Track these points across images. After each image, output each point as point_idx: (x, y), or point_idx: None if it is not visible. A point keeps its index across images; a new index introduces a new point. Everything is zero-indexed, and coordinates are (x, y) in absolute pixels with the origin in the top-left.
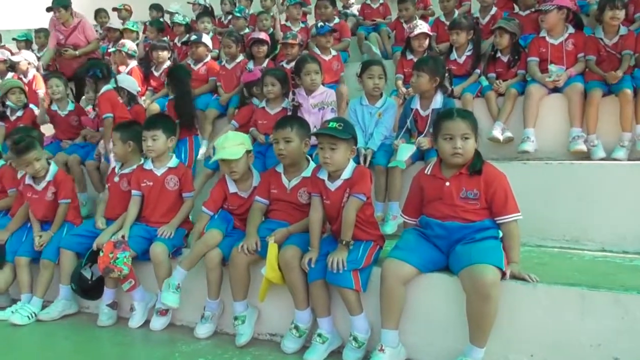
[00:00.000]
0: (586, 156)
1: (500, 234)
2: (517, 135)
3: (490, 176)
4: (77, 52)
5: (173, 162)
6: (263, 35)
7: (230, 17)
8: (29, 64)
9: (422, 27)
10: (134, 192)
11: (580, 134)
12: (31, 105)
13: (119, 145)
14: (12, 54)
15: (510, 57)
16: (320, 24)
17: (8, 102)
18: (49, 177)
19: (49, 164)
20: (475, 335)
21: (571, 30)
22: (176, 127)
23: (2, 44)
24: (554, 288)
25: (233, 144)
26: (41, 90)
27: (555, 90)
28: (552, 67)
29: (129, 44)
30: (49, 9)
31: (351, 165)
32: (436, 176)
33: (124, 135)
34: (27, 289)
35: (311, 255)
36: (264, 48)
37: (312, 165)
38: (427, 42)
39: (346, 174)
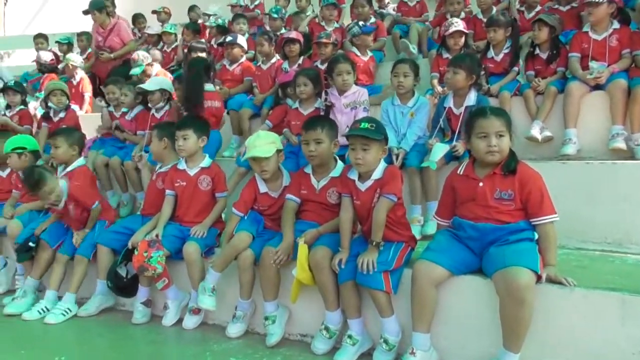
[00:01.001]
0: (629, 155)
1: (536, 236)
2: (556, 134)
3: (525, 176)
4: (112, 55)
5: (206, 162)
6: (294, 34)
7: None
8: (76, 66)
9: (458, 24)
10: (167, 191)
11: (621, 132)
12: (73, 107)
13: (155, 142)
14: (57, 56)
15: (549, 53)
16: (361, 23)
17: (50, 104)
18: (64, 197)
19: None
20: (510, 340)
21: (616, 25)
22: (208, 127)
23: (49, 47)
24: (592, 293)
25: (264, 143)
26: (87, 93)
27: (597, 87)
28: (592, 64)
29: (142, 55)
30: (85, 12)
31: (382, 165)
32: (469, 176)
33: (159, 133)
34: (56, 286)
35: (341, 256)
36: (296, 47)
37: (340, 165)
38: (462, 40)
39: (377, 174)
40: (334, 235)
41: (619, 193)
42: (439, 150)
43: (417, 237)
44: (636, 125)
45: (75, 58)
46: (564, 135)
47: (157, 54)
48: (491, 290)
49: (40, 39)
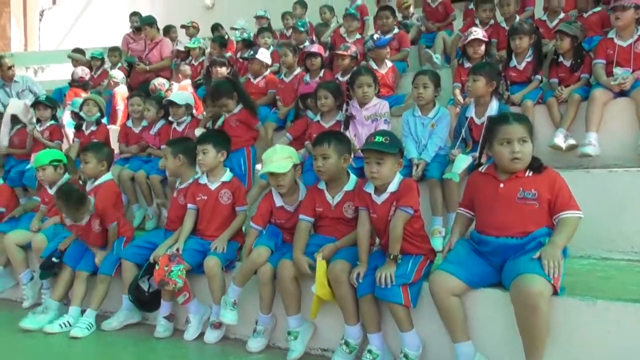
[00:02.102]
0: None
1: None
2: (581, 142)
3: (551, 174)
4: (147, 68)
5: (227, 176)
6: (315, 48)
7: (291, 30)
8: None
9: (476, 33)
10: (189, 205)
11: None
12: (103, 121)
13: (169, 159)
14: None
15: (572, 61)
16: (376, 35)
17: (81, 113)
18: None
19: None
20: (529, 351)
21: None
22: (228, 142)
23: (87, 59)
24: (616, 304)
25: (281, 157)
26: (119, 107)
27: (622, 94)
28: (617, 70)
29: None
30: (137, 28)
31: (398, 178)
32: (490, 174)
33: (174, 150)
34: (79, 302)
35: (359, 270)
36: (317, 60)
37: (353, 178)
38: (482, 48)
39: (392, 187)
40: (352, 249)
41: None
42: (462, 162)
43: (439, 249)
44: None
45: (117, 74)
46: (584, 137)
47: (187, 69)
48: (510, 303)
49: (77, 54)
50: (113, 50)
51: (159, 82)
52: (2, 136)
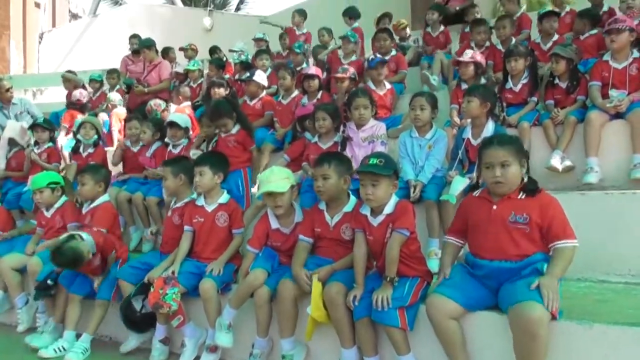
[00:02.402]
0: None
1: (545, 268)
2: (577, 164)
3: (546, 200)
4: (145, 90)
5: (224, 198)
6: (313, 70)
7: (287, 52)
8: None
9: (466, 55)
10: (185, 227)
11: None
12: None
13: (170, 179)
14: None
15: (568, 83)
16: (371, 57)
17: (79, 136)
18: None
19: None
20: None
21: (636, 54)
22: (226, 164)
23: (78, 79)
24: (612, 328)
25: (278, 178)
26: (115, 128)
27: (618, 116)
28: (612, 92)
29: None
30: (135, 51)
31: (393, 199)
32: (484, 198)
33: (175, 169)
34: (73, 326)
35: (356, 292)
36: (315, 82)
37: (353, 200)
38: (470, 69)
39: (388, 208)
40: (349, 271)
41: None
42: (459, 183)
43: (435, 270)
44: None
45: (114, 96)
46: (585, 164)
47: (187, 91)
48: (508, 327)
49: (70, 74)
50: (111, 72)
51: (156, 103)
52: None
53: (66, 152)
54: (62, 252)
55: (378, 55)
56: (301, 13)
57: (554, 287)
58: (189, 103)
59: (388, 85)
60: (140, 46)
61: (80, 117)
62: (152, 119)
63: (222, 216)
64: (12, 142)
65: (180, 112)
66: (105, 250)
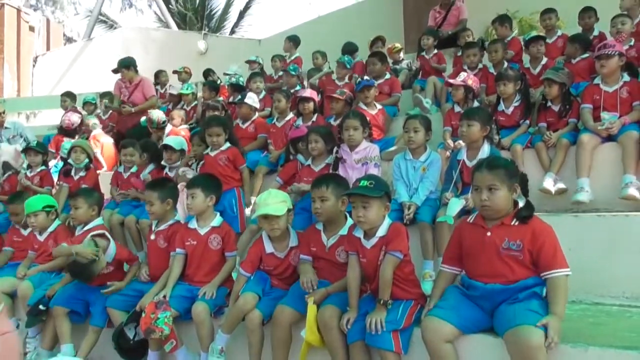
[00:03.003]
0: None
1: (544, 293)
2: (570, 186)
3: (537, 228)
4: (132, 109)
5: (216, 221)
6: (308, 93)
7: (280, 73)
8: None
9: (459, 77)
10: (178, 250)
11: (635, 181)
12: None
13: (157, 204)
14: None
15: (561, 107)
16: (358, 79)
17: (70, 160)
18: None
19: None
20: None
21: (626, 78)
22: (218, 186)
23: (74, 105)
24: (608, 351)
25: (276, 201)
26: (97, 150)
27: (609, 138)
28: (604, 114)
29: (155, 115)
30: (115, 71)
31: (386, 222)
32: (477, 224)
33: (162, 194)
34: (69, 338)
35: (349, 316)
36: (310, 105)
37: (350, 222)
38: (461, 91)
39: (381, 231)
40: (343, 294)
41: (633, 245)
42: (456, 205)
43: (429, 293)
44: None
45: (89, 120)
46: (576, 184)
47: (182, 113)
48: (503, 350)
49: (65, 97)
50: (105, 95)
51: (158, 116)
52: None
53: (54, 176)
54: (77, 272)
55: (366, 78)
56: (292, 39)
57: (559, 330)
58: (185, 126)
59: (379, 106)
60: (119, 66)
61: (67, 141)
62: (142, 143)
63: (215, 239)
64: (6, 166)
65: (175, 134)
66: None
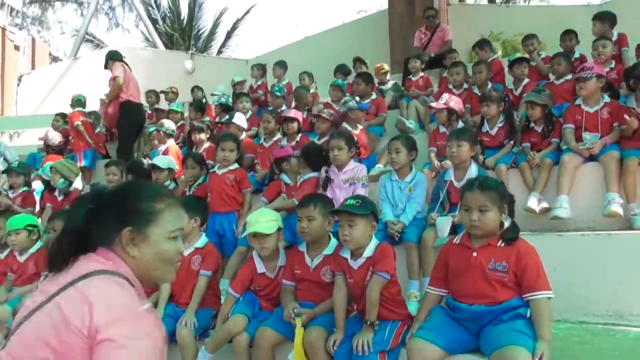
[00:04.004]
0: (627, 226)
1: (529, 313)
2: (554, 205)
3: (522, 249)
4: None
5: (201, 242)
6: (293, 113)
7: (259, 82)
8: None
9: (441, 100)
10: None
11: (617, 199)
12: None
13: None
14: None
15: (544, 128)
16: (357, 98)
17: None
18: None
19: None
20: None
21: (607, 99)
22: (203, 208)
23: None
24: None
25: (266, 220)
26: None
27: (591, 158)
28: (586, 135)
29: (167, 124)
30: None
31: (374, 242)
32: (464, 245)
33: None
34: None
35: (336, 337)
36: (294, 125)
37: (334, 242)
38: (444, 114)
39: (368, 251)
40: (329, 315)
41: (617, 264)
42: (445, 223)
43: (414, 313)
44: (631, 195)
45: (51, 135)
46: (556, 201)
47: (171, 124)
48: None
49: (58, 117)
50: (90, 114)
51: (160, 124)
52: None
53: (36, 197)
54: None
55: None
56: (282, 65)
57: (549, 354)
58: (172, 141)
59: (360, 126)
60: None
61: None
62: (129, 164)
63: (196, 260)
64: None
65: (165, 154)
66: None
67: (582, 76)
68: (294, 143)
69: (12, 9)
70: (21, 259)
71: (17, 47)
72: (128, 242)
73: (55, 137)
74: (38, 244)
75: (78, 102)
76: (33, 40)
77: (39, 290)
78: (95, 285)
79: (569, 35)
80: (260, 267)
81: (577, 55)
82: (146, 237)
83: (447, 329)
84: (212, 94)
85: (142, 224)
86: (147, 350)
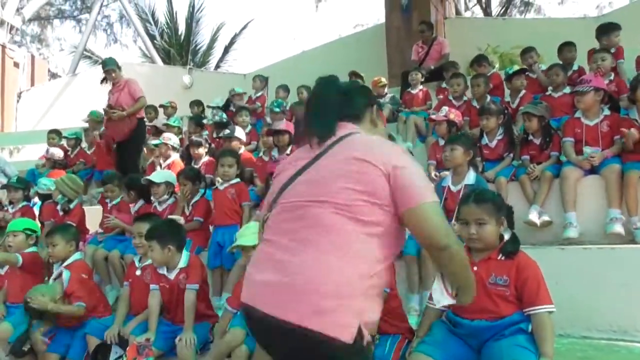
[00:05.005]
0: (629, 239)
1: (530, 328)
2: (555, 218)
3: (522, 263)
4: (124, 113)
5: (183, 262)
6: (283, 125)
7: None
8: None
9: (441, 112)
10: (152, 286)
11: (619, 216)
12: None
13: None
14: (66, 152)
15: (542, 140)
16: None
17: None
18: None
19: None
20: None
21: (607, 112)
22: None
23: (61, 142)
24: None
25: (250, 232)
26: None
27: (592, 171)
28: (586, 149)
29: (174, 138)
30: (103, 80)
31: None
32: None
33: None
34: None
35: None
36: (285, 137)
37: None
38: (444, 126)
39: None
40: None
41: (620, 278)
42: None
43: (414, 327)
44: (633, 208)
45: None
46: (564, 219)
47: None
48: None
49: (53, 134)
50: (88, 130)
51: (167, 138)
52: None
53: (36, 211)
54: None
55: None
56: (285, 89)
57: None
58: (176, 155)
59: None
60: (109, 68)
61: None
62: (127, 180)
63: (183, 279)
64: None
65: (169, 169)
66: (71, 301)
67: (579, 89)
68: (284, 155)
69: (11, 27)
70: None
71: (16, 64)
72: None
73: (59, 153)
74: (33, 249)
75: (95, 116)
76: (32, 57)
77: (288, 166)
78: (363, 136)
79: (568, 47)
80: None
81: (575, 67)
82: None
83: (448, 344)
84: (208, 106)
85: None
86: (420, 170)
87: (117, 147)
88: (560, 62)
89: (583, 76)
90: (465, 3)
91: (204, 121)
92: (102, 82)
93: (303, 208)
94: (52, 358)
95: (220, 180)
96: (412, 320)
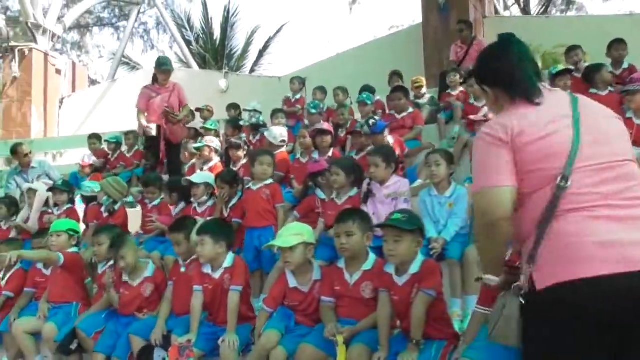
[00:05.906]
0: None
1: None
2: None
3: None
4: (179, 117)
5: (228, 261)
6: (326, 126)
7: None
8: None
9: (481, 112)
10: (195, 287)
11: None
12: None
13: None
14: (106, 155)
15: None
16: (371, 121)
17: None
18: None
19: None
20: None
21: None
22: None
23: (102, 147)
24: None
25: (290, 234)
26: None
27: None
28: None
29: (215, 141)
30: (154, 79)
31: (419, 258)
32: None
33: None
34: None
35: (380, 355)
36: (328, 138)
37: (372, 257)
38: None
39: (414, 268)
40: (372, 331)
41: None
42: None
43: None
44: None
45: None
46: None
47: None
48: None
49: (93, 139)
50: (128, 134)
51: (209, 140)
52: (34, 220)
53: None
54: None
55: (379, 121)
56: (322, 90)
57: None
58: (217, 159)
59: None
60: (165, 69)
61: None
62: (169, 183)
63: (227, 279)
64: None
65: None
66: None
67: (629, 89)
68: (326, 157)
69: (53, 35)
70: (47, 272)
71: (58, 71)
72: None
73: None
74: (74, 249)
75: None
76: (73, 64)
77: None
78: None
79: (617, 45)
80: (292, 282)
81: (625, 65)
82: None
83: (495, 349)
84: (245, 110)
85: None
86: None
87: (168, 149)
88: (607, 62)
89: (633, 75)
90: (505, 2)
91: (241, 123)
92: (153, 82)
93: (617, 168)
94: (98, 358)
95: (254, 180)
96: (455, 325)
